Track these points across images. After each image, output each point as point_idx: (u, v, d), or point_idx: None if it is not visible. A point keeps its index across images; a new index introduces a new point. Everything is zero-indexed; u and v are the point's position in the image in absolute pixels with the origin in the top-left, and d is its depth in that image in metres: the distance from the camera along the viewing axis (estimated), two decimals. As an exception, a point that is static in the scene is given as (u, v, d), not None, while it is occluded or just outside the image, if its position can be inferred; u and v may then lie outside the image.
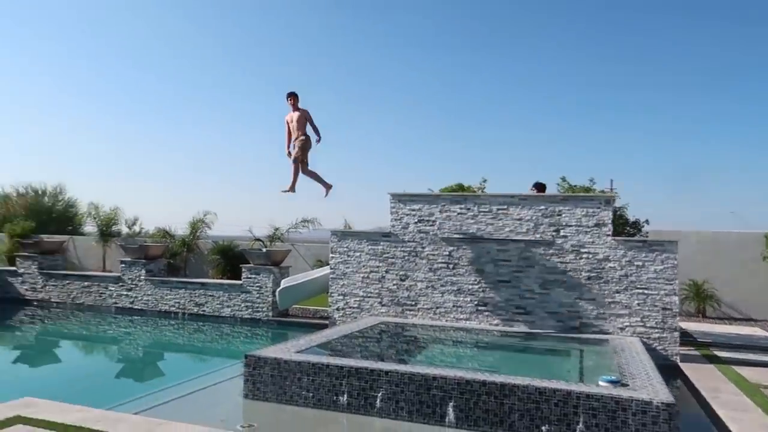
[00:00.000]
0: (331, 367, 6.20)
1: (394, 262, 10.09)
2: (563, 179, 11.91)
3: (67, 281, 14.21)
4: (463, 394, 5.70)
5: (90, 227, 23.16)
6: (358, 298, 10.28)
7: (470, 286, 9.64)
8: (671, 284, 8.69)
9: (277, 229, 19.00)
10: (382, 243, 10.20)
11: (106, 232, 21.19)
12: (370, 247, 10.27)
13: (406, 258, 10.03)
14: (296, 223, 19.19)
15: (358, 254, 10.35)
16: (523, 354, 8.78)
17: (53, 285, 14.35)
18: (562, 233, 9.24)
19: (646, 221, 12.05)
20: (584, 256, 9.10)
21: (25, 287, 14.72)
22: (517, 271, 9.41)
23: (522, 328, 9.28)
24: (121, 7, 47.43)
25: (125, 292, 13.28)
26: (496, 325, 9.45)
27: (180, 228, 22.20)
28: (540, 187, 10.68)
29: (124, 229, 26.45)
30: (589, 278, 9.05)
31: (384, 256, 10.17)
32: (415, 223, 10.04)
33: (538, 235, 9.34)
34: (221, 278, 19.12)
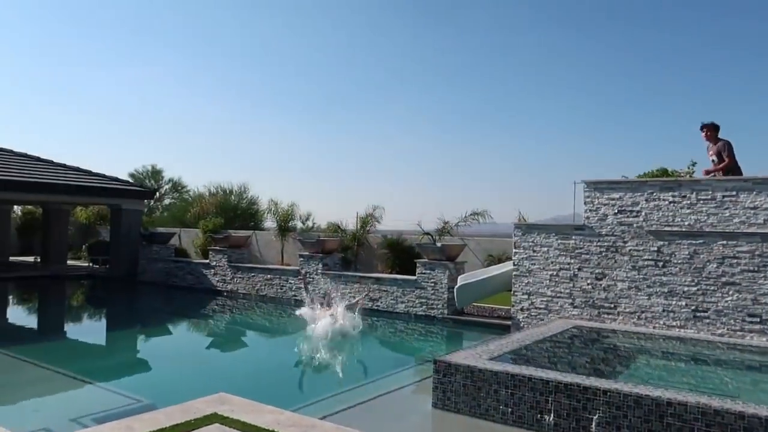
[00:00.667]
0: (534, 381, 5.33)
1: (589, 259, 8.88)
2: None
3: (252, 274, 14.98)
4: (710, 427, 4.50)
5: (270, 223, 24.67)
6: (545, 298, 9.24)
7: (686, 288, 8.11)
8: None
9: (446, 223, 18.45)
10: (574, 237, 9.04)
11: (284, 227, 22.34)
12: (560, 241, 9.16)
13: (604, 254, 8.76)
14: (466, 216, 18.50)
15: (545, 249, 9.30)
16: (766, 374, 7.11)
17: (240, 277, 15.22)
18: (815, 224, 7.34)
19: None
20: None
21: (216, 279, 15.83)
22: (751, 271, 7.69)
23: (758, 340, 7.56)
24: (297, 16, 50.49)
25: (302, 285, 13.58)
26: (721, 335, 7.83)
27: (350, 223, 22.76)
28: (711, 128, 8.88)
29: (299, 225, 27.88)
30: None
31: (577, 251, 9.00)
32: (615, 214, 8.72)
33: (780, 227, 7.54)
34: (390, 272, 19.11)
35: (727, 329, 7.81)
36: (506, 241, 19.34)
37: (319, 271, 13.46)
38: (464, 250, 13.95)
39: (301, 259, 13.85)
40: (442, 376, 5.83)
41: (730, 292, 7.82)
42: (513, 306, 9.58)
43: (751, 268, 7.70)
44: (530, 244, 9.44)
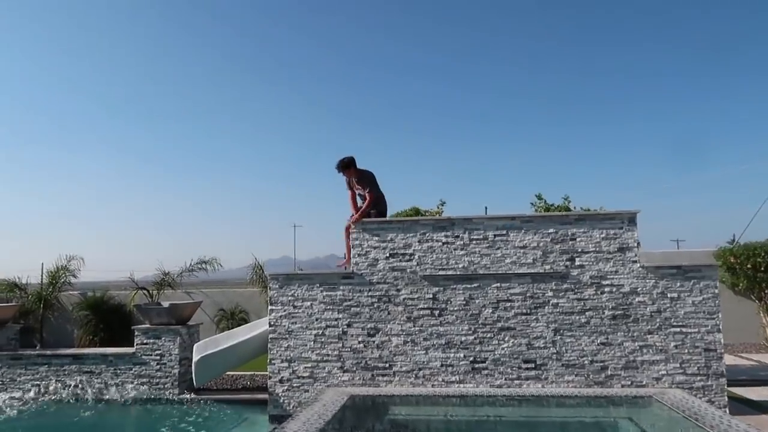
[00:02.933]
0: None
1: (360, 312, 7.56)
2: (539, 197, 10.16)
3: None
4: None
5: None
6: (309, 364, 7.57)
7: (463, 338, 7.37)
8: (713, 318, 7.05)
9: (167, 274, 15.48)
10: (342, 287, 7.64)
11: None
12: (326, 293, 7.66)
13: (376, 305, 7.55)
14: (191, 265, 15.82)
15: (308, 304, 7.67)
16: (547, 427, 6.64)
17: None
18: (578, 262, 7.31)
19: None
20: (606, 289, 7.23)
21: None
22: (524, 314, 7.31)
23: (534, 388, 7.14)
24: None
25: (-46, 376, 9.33)
26: (500, 386, 7.24)
27: (34, 277, 17.72)
28: (345, 166, 8.10)
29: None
30: (614, 318, 7.18)
31: (345, 304, 7.60)
32: (387, 258, 7.62)
33: (547, 267, 7.34)
34: (92, 340, 15.14)
35: (505, 379, 7.25)
36: (238, 291, 17.22)
37: (-18, 352, 9.39)
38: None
39: (-49, 337, 9.54)
40: None
41: (506, 338, 7.31)
42: (270, 377, 7.65)
43: (524, 310, 7.32)
44: (290, 298, 7.72)
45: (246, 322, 15.01)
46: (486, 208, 8.71)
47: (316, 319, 7.63)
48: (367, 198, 7.97)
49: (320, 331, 7.60)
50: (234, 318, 14.77)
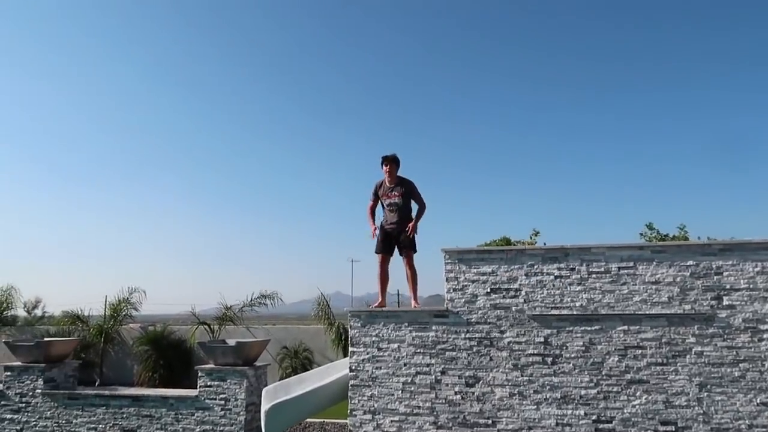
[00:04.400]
0: None
1: (456, 357, 6.45)
2: (650, 226, 8.85)
3: None
4: None
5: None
6: (397, 417, 6.47)
7: (583, 391, 6.12)
8: None
9: (228, 308, 14.79)
10: (435, 327, 6.56)
11: (-6, 319, 16.20)
12: (415, 334, 6.59)
13: (475, 349, 6.42)
14: (252, 299, 15.10)
15: (395, 346, 6.62)
16: None
17: None
18: (726, 302, 5.99)
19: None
20: (766, 336, 5.86)
21: None
22: (660, 364, 6.01)
23: (677, 457, 5.78)
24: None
25: (10, 416, 8.71)
26: (630, 452, 5.90)
27: (96, 309, 17.44)
28: (393, 161, 7.06)
29: (23, 314, 21.09)
30: (777, 371, 5.78)
31: (439, 347, 6.51)
32: (487, 293, 6.51)
33: (687, 306, 6.05)
34: (152, 377, 14.51)
35: (637, 443, 5.93)
36: (301, 328, 16.36)
37: (39, 390, 8.75)
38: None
39: (9, 373, 8.95)
40: None
41: (638, 393, 6.01)
42: (351, 431, 6.59)
43: (659, 360, 6.02)
44: (374, 338, 6.69)
45: (310, 360, 14.07)
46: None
47: (405, 364, 6.55)
48: (418, 204, 7.00)
49: (409, 379, 6.51)
50: (298, 356, 13.85)
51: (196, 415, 8.00)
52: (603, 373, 6.11)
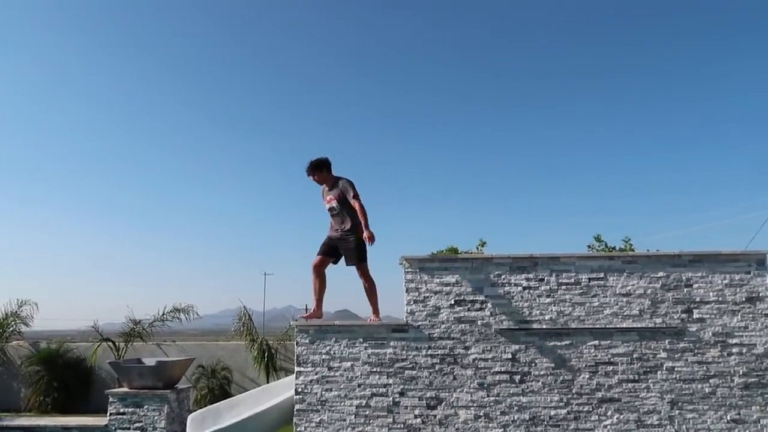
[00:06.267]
0: None
1: (417, 376, 5.81)
2: (598, 239, 8.71)
3: None
4: None
5: None
6: (349, 446, 5.72)
7: (553, 411, 5.68)
8: None
9: (137, 323, 13.26)
10: (392, 343, 5.90)
11: None
12: (371, 351, 5.89)
13: (438, 368, 5.82)
14: (165, 312, 13.65)
15: (348, 364, 5.88)
16: None
17: None
18: (696, 314, 5.80)
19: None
20: (735, 350, 5.71)
21: None
22: (631, 381, 5.70)
23: (650, 480, 5.46)
24: None
25: None
26: (600, 476, 5.53)
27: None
28: (319, 167, 6.29)
29: None
30: (746, 386, 5.64)
31: (397, 365, 5.85)
32: (451, 306, 5.95)
33: (658, 320, 5.79)
34: (43, 401, 12.67)
35: (608, 467, 5.56)
36: (219, 344, 15.03)
37: None
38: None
39: None
40: None
41: (609, 413, 5.66)
42: (295, 464, 5.75)
43: (630, 376, 5.71)
44: (324, 357, 5.91)
45: (229, 380, 12.87)
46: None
47: (359, 385, 5.83)
48: (356, 206, 5.98)
49: (364, 401, 5.79)
50: (215, 376, 12.61)
51: (104, 448, 6.80)
52: (573, 391, 5.71)
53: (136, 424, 6.80)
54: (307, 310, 16.44)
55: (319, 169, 6.30)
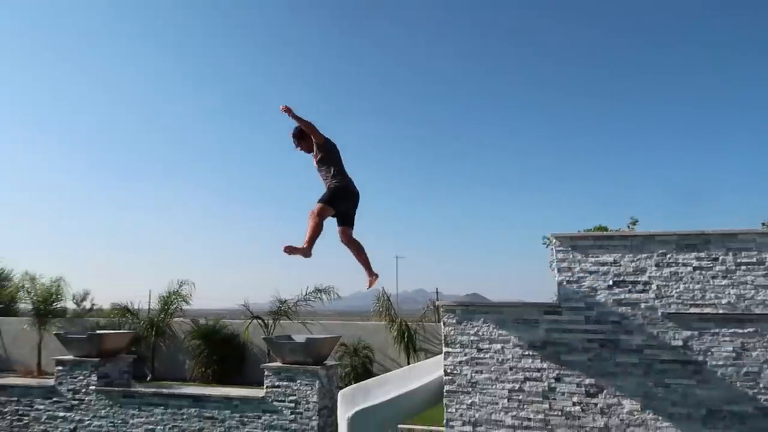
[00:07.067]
0: None
1: (573, 361, 5.47)
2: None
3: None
4: None
5: (25, 304, 17.80)
6: (504, 431, 5.54)
7: (735, 407, 5.06)
8: None
9: (283, 303, 14.07)
10: (543, 324, 5.60)
11: (45, 310, 15.87)
12: (521, 333, 5.64)
13: (597, 353, 5.43)
14: (307, 293, 14.33)
15: (499, 346, 5.69)
16: None
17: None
18: None
19: None
20: None
21: None
22: (833, 376, 4.91)
23: None
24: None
25: (63, 413, 8.13)
26: (794, 482, 4.83)
27: (145, 303, 17.00)
28: (293, 137, 5.16)
29: (71, 307, 20.86)
30: None
31: (550, 348, 5.54)
32: (609, 287, 5.51)
33: None
34: (205, 373, 13.91)
35: (804, 472, 4.85)
36: (359, 324, 15.53)
37: (92, 387, 8.12)
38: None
39: (61, 368, 8.35)
40: None
41: (805, 411, 4.93)
42: (446, 445, 5.69)
43: (832, 370, 4.93)
44: (472, 338, 5.77)
45: (370, 359, 13.22)
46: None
47: (511, 368, 5.61)
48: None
49: (517, 385, 5.57)
50: (358, 354, 13.01)
51: (262, 418, 7.24)
52: (761, 386, 5.04)
53: (290, 398, 7.15)
54: (437, 293, 16.43)
55: (298, 137, 5.45)
